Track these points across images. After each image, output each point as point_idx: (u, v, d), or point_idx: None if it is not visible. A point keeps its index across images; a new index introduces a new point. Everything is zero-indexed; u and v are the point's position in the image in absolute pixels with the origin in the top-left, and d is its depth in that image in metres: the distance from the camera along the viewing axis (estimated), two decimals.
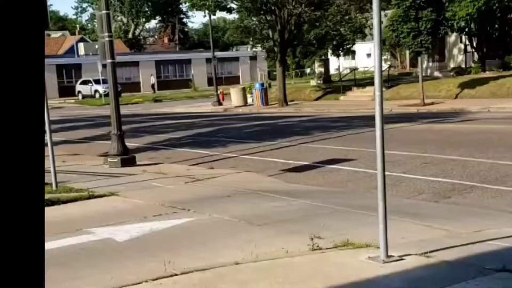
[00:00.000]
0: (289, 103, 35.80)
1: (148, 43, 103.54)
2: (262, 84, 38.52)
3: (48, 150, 10.42)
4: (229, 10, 35.84)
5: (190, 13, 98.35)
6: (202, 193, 10.08)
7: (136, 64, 69.99)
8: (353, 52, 57.47)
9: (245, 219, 7.77)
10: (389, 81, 35.49)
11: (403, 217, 7.49)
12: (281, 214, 8.05)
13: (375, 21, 5.64)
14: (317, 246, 6.17)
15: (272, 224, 7.40)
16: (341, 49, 40.56)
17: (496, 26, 36.05)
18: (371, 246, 6.07)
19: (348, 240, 6.31)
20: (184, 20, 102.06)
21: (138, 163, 14.04)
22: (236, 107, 36.74)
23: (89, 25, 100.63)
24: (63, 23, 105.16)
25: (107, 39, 13.57)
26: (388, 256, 5.64)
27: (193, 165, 14.14)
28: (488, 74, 33.47)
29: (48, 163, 10.45)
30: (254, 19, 38.06)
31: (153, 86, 66.43)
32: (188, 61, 74.27)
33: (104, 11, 13.64)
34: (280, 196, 9.43)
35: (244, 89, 38.83)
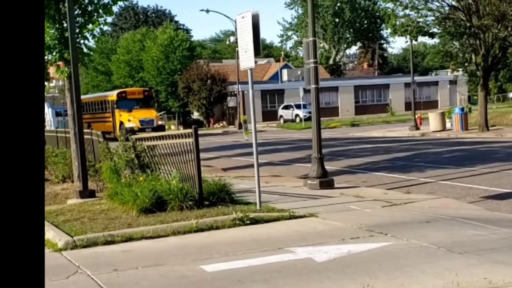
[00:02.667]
0: (490, 128, 34.29)
1: (347, 68, 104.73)
2: (462, 109, 37.29)
3: (254, 172, 11.11)
4: (431, 35, 35.32)
5: (390, 39, 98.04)
6: (399, 218, 10.10)
7: (335, 89, 71.09)
8: None
9: (444, 246, 7.70)
10: None
11: None
12: (483, 242, 7.86)
13: None
14: None
15: (473, 253, 7.27)
16: None
17: None
18: None
19: None
20: (384, 45, 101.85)
21: (335, 185, 14.35)
22: (434, 131, 35.92)
23: (292, 52, 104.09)
24: (269, 51, 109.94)
25: (312, 65, 14.11)
26: None
27: (389, 189, 14.16)
28: None
29: (254, 184, 11.15)
30: (456, 43, 37.11)
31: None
32: (386, 86, 73.94)
33: (311, 38, 14.22)
34: (481, 224, 9.18)
35: (442, 114, 37.86)
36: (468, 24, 32.70)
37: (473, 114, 38.56)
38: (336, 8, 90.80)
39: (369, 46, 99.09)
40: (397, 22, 34.35)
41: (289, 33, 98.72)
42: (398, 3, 33.94)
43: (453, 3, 33.37)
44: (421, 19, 34.04)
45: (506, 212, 10.98)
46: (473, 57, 35.00)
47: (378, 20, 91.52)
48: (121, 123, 45.87)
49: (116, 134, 41.07)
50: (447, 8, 33.90)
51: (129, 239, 8.83)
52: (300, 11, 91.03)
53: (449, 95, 74.22)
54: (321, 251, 7.71)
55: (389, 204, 11.65)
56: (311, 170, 14.53)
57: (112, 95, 49.13)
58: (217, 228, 9.45)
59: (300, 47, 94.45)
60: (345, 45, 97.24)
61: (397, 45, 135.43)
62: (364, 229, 9.05)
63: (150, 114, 46.70)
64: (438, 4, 33.68)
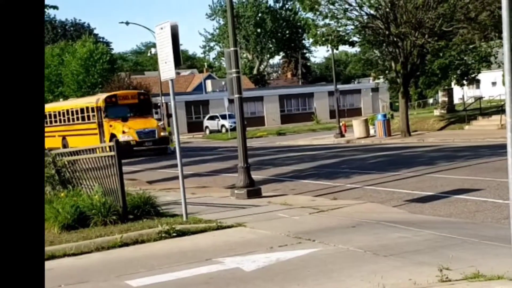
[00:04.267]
0: (412, 133, 35.27)
1: (272, 78, 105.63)
2: (384, 115, 38.23)
3: (179, 183, 10.95)
4: (352, 44, 36.04)
5: (312, 48, 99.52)
6: (326, 224, 10.16)
7: (260, 99, 71.51)
8: (478, 81, 55.82)
9: (370, 249, 7.77)
10: None
11: None
12: (407, 245, 7.98)
13: (505, 47, 5.58)
14: (446, 277, 6.06)
15: (398, 255, 7.36)
16: (465, 78, 39.53)
17: None
18: (503, 278, 5.91)
19: (479, 272, 6.16)
20: (307, 55, 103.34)
21: (263, 194, 14.34)
22: (358, 138, 36.61)
23: (216, 62, 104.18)
24: (192, 62, 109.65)
25: (234, 75, 14.09)
26: None
27: (317, 196, 14.25)
28: None
29: (180, 195, 10.99)
30: (376, 51, 38.02)
31: None
32: (311, 95, 74.98)
33: (232, 49, 14.20)
34: (405, 226, 9.33)
35: (366, 121, 38.66)
36: (386, 32, 33.57)
37: (395, 120, 39.56)
38: (258, 18, 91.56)
39: (292, 55, 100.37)
40: (318, 32, 34.92)
41: (212, 43, 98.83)
42: (318, 13, 34.50)
43: (372, 12, 34.18)
44: (341, 28, 34.74)
45: (429, 215, 11.22)
46: (393, 64, 35.96)
47: (300, 30, 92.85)
48: (113, 136, 34.38)
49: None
50: (366, 17, 34.70)
51: (51, 257, 8.51)
52: (222, 22, 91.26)
53: (371, 102, 75.96)
54: (250, 260, 7.65)
55: (317, 210, 11.71)
56: (238, 180, 14.48)
57: (98, 100, 37.20)
58: (143, 242, 9.25)
59: (223, 58, 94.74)
60: (268, 55, 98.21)
61: (319, 54, 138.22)
62: (292, 236, 9.05)
63: (150, 123, 35.98)
64: (357, 13, 34.45)
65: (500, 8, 5.54)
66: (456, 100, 49.55)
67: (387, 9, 33.33)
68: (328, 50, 40.82)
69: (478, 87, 62.11)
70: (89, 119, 37.71)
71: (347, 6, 33.85)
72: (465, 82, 40.42)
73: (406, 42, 33.50)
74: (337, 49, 38.51)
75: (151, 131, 35.17)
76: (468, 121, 35.96)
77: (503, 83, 5.89)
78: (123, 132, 34.57)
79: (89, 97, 44.73)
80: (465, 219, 10.56)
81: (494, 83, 54.13)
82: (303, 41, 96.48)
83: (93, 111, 36.93)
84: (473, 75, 39.45)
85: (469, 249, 7.53)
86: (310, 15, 36.37)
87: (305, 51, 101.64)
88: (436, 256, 7.07)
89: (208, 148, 40.60)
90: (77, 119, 39.05)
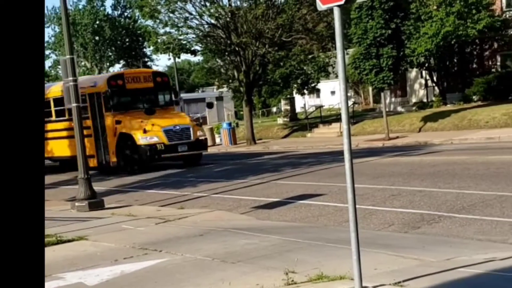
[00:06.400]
0: (257, 141, 35.96)
1: None
2: (229, 124, 38.73)
3: None
4: (194, 53, 36.09)
5: (154, 56, 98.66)
6: (173, 234, 10.01)
7: None
8: (318, 90, 58.23)
9: (218, 257, 7.73)
10: (354, 117, 35.96)
11: (375, 249, 7.52)
12: (254, 250, 8.03)
13: (339, 56, 5.76)
14: (292, 280, 6.17)
15: (246, 261, 7.37)
16: (306, 87, 41.01)
17: (455, 60, 36.92)
18: (345, 278, 6.09)
19: (323, 273, 6.32)
20: (148, 63, 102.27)
21: (106, 206, 13.90)
22: None
23: (52, 71, 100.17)
24: None
25: (71, 83, 13.58)
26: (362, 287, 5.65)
27: (163, 206, 14.05)
28: (449, 107, 34.11)
29: None
30: (219, 60, 38.41)
31: None
32: None
33: (68, 56, 13.69)
34: (252, 233, 9.41)
35: (212, 129, 38.94)
36: (228, 42, 34.01)
37: (240, 128, 40.21)
38: (96, 26, 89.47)
39: (133, 63, 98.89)
40: (159, 40, 34.72)
41: (47, 51, 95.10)
42: (158, 21, 34.28)
43: (212, 21, 34.48)
44: (182, 37, 34.72)
45: (276, 220, 11.42)
46: (235, 73, 36.50)
47: (140, 38, 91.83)
48: (124, 137, 23.28)
49: (112, 161, 23.50)
50: (206, 26, 34.96)
51: None
52: (57, 29, 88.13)
53: (217, 111, 76.70)
54: (93, 274, 7.34)
55: (163, 220, 11.52)
56: (79, 192, 13.92)
57: (97, 83, 24.62)
58: None
59: (59, 66, 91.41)
60: (107, 63, 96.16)
61: (161, 62, 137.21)
62: (138, 247, 8.81)
63: (179, 118, 24.62)
64: (197, 22, 34.59)
65: None
66: (298, 109, 51.28)
67: (228, 19, 33.79)
68: (170, 58, 40.66)
69: (318, 96, 64.73)
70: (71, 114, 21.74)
71: (187, 14, 33.90)
72: (305, 91, 41.92)
73: (247, 52, 34.12)
74: (179, 57, 38.52)
75: (185, 129, 23.49)
76: (310, 129, 37.30)
77: None
78: (144, 131, 22.67)
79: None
80: (310, 223, 10.86)
81: (333, 92, 56.74)
82: (144, 49, 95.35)
83: (88, 100, 23.83)
84: (313, 85, 41.03)
85: (313, 252, 7.71)
86: (150, 22, 36.09)
87: (146, 59, 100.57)
88: (283, 260, 7.16)
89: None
90: (60, 113, 25.55)
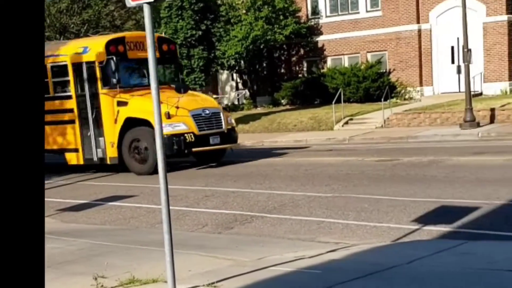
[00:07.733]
0: None
1: None
2: None
3: None
4: None
5: None
6: None
7: None
8: None
9: None
10: None
11: (188, 250, 7.42)
12: (60, 255, 7.58)
13: (150, 55, 5.60)
14: (102, 286, 5.90)
15: (52, 267, 6.91)
16: None
17: (264, 64, 38.15)
18: (158, 281, 5.93)
19: (134, 277, 6.11)
20: None
21: None
22: None
23: None
24: None
25: None
26: None
27: None
28: (259, 110, 35.17)
29: None
30: None
31: None
32: None
33: None
34: (58, 236, 8.91)
35: None
36: None
37: None
38: None
39: None
40: None
41: None
42: None
43: None
44: None
45: (83, 223, 10.96)
46: None
47: None
48: (132, 124, 16.99)
49: (110, 157, 17.24)
50: None
51: None
52: None
53: None
54: None
55: None
56: None
57: (88, 50, 17.47)
58: None
59: None
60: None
61: None
62: None
63: (205, 100, 18.68)
64: None
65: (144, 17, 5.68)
66: None
67: None
68: None
69: None
70: (55, 90, 17.98)
71: None
72: None
73: None
74: None
75: (215, 114, 17.62)
76: None
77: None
78: (168, 116, 16.14)
79: (56, 45, 19.92)
80: (121, 225, 10.53)
81: None
82: None
83: (67, 73, 17.63)
84: None
85: (125, 255, 7.45)
86: None
87: None
88: (92, 265, 6.83)
89: None
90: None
